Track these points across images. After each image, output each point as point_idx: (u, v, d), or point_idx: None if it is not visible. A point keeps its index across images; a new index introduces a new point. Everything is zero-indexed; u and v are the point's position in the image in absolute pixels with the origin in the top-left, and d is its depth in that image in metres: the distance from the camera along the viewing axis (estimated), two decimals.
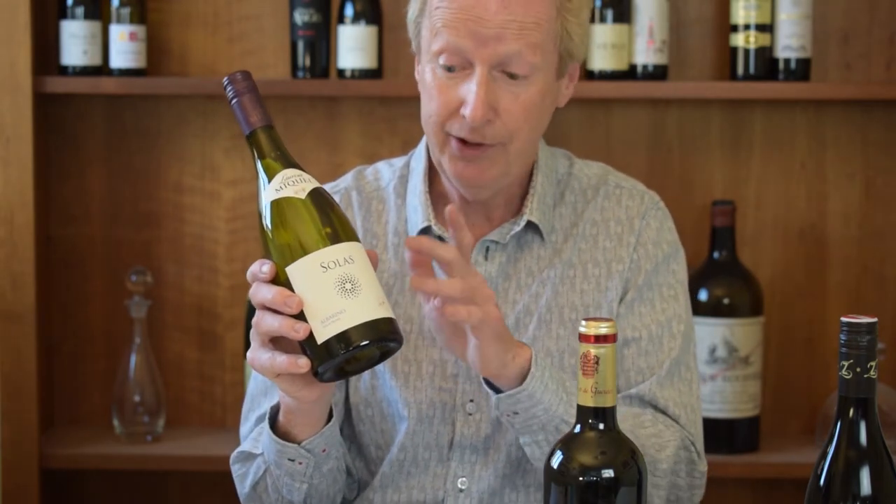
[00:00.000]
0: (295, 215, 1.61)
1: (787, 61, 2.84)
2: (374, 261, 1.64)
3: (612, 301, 1.93)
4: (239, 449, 1.88)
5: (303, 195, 1.62)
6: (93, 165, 2.98)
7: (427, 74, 1.85)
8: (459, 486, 1.90)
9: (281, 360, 1.61)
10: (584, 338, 1.45)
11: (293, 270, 1.59)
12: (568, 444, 1.47)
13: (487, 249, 1.94)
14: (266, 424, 1.77)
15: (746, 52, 2.84)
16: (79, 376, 3.01)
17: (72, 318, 3.00)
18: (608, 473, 1.45)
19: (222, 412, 3.01)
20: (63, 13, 2.85)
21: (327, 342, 1.56)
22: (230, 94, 1.67)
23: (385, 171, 2.03)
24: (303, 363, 1.59)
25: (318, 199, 1.62)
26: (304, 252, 1.59)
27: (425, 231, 1.93)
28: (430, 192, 1.96)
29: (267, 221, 1.62)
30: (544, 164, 1.97)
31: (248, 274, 1.65)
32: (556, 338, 1.91)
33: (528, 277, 1.93)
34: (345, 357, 1.57)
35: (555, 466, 1.46)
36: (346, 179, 2.03)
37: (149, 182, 2.99)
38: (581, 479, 1.44)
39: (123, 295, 2.94)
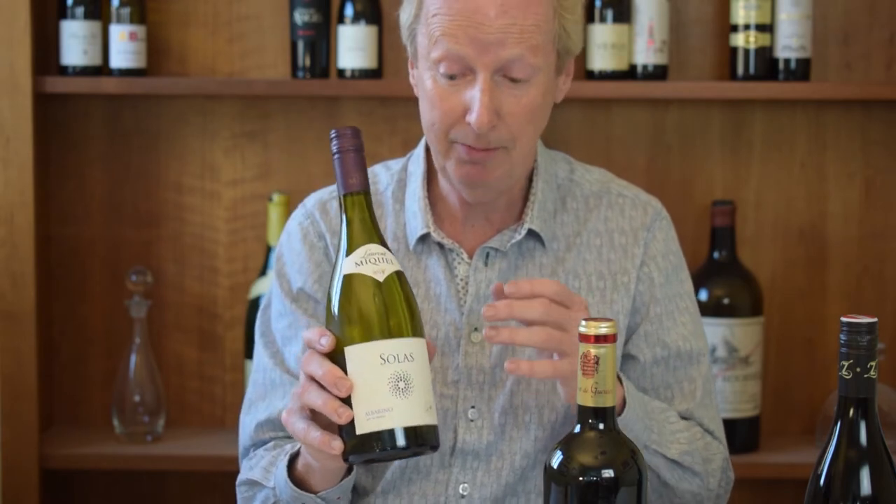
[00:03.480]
0: (367, 296, 1.56)
1: (787, 61, 2.84)
2: (432, 354, 1.61)
3: (619, 314, 1.93)
4: (248, 476, 1.88)
5: (381, 277, 1.56)
6: (93, 165, 2.98)
7: (427, 82, 1.83)
8: (461, 492, 1.90)
9: (315, 435, 1.59)
10: (584, 338, 1.45)
11: (352, 352, 1.55)
12: (568, 444, 1.47)
13: (487, 256, 1.92)
14: (284, 470, 1.76)
15: (746, 52, 2.84)
16: (79, 376, 3.01)
17: (72, 318, 3.00)
18: (608, 473, 1.45)
19: (222, 412, 3.01)
20: (63, 13, 2.85)
21: (367, 435, 1.53)
22: (334, 147, 1.61)
23: (382, 174, 2.01)
24: (336, 446, 1.56)
25: (396, 285, 1.57)
26: (368, 337, 1.54)
27: (424, 238, 1.93)
28: (428, 196, 1.95)
29: (337, 291, 1.57)
30: (544, 170, 1.96)
31: (305, 338, 1.61)
32: None
33: None
34: (379, 455, 1.55)
35: (555, 466, 1.46)
36: None
37: (149, 182, 2.99)
38: (581, 479, 1.44)
39: (123, 295, 2.94)
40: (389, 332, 1.54)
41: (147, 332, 2.91)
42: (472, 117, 1.79)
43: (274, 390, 1.93)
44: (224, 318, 3.00)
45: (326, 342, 1.57)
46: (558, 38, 1.85)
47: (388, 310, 1.55)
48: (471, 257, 1.93)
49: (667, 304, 1.96)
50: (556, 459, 1.46)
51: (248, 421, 1.95)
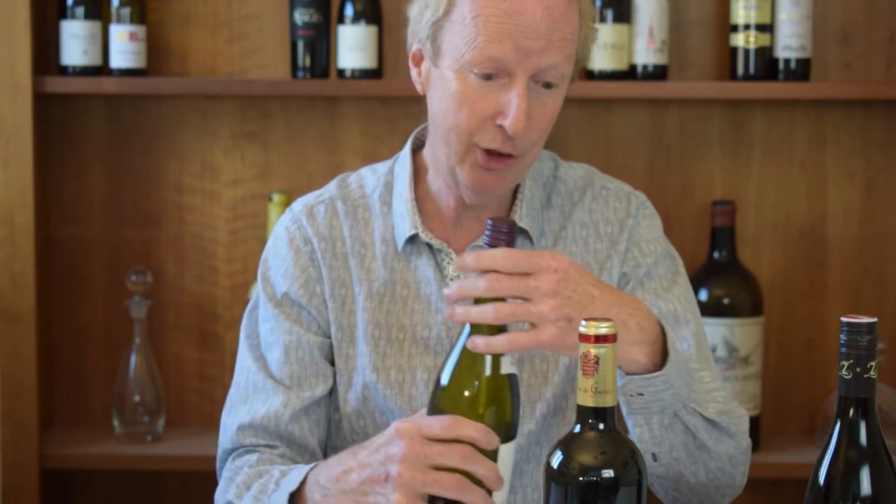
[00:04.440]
0: (516, 399, 1.56)
1: (787, 61, 2.84)
2: None
3: None
4: (234, 501, 1.84)
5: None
6: (93, 165, 2.98)
7: (453, 82, 1.81)
8: None
9: None
10: (584, 338, 1.45)
11: (504, 451, 1.55)
12: (568, 444, 1.47)
13: None
14: None
15: (746, 52, 2.84)
16: (79, 376, 3.01)
17: (72, 318, 3.00)
18: (608, 473, 1.45)
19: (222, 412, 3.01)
20: (63, 13, 2.85)
21: None
22: (486, 239, 1.58)
23: (369, 178, 2.01)
24: None
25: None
26: (513, 437, 1.56)
27: (413, 239, 1.92)
28: (416, 197, 1.94)
29: (495, 386, 1.55)
30: (531, 169, 1.96)
31: (469, 436, 1.54)
32: None
33: None
34: None
35: (555, 466, 1.46)
36: (330, 189, 2.00)
37: (149, 182, 2.99)
38: (581, 479, 1.45)
39: (123, 295, 2.94)
40: (516, 434, 1.58)
41: (147, 332, 2.91)
42: (508, 122, 1.78)
43: (256, 394, 1.93)
44: (224, 318, 3.00)
45: (496, 443, 1.54)
46: (580, 47, 1.85)
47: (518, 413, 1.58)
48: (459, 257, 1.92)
49: (648, 281, 1.94)
50: (556, 459, 1.46)
51: (230, 423, 1.94)
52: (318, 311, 1.93)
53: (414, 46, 1.89)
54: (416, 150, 1.98)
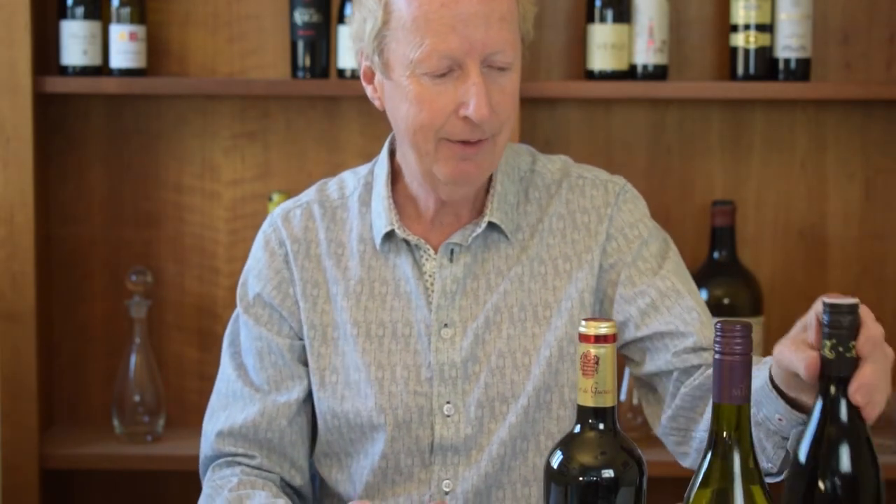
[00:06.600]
0: None
1: (787, 61, 2.84)
2: None
3: (583, 292, 1.92)
4: None
5: None
6: (93, 165, 2.98)
7: (409, 86, 1.82)
8: (444, 488, 1.90)
9: None
10: (583, 338, 1.45)
11: None
12: (568, 444, 1.47)
13: (452, 252, 1.93)
14: None
15: (746, 52, 2.84)
16: (79, 376, 3.02)
17: (72, 318, 3.00)
18: (608, 473, 1.45)
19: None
20: (63, 13, 2.85)
21: None
22: (718, 348, 1.41)
23: (350, 180, 2.02)
24: None
25: None
26: None
27: (391, 236, 1.93)
28: (393, 196, 1.95)
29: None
30: (504, 163, 1.96)
31: None
32: (532, 336, 1.91)
33: (497, 277, 1.93)
34: None
35: (555, 466, 1.46)
36: (309, 193, 2.02)
37: (149, 182, 2.99)
38: (581, 479, 1.45)
39: (123, 295, 2.94)
40: None
41: (147, 332, 2.91)
42: (471, 111, 1.80)
43: (235, 402, 1.95)
44: (224, 318, 2.99)
45: None
46: (522, 21, 1.87)
47: None
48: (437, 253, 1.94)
49: (641, 263, 1.93)
50: (556, 459, 1.46)
51: (210, 430, 1.97)
52: (290, 313, 1.94)
53: (363, 64, 1.90)
54: (393, 153, 2.00)
